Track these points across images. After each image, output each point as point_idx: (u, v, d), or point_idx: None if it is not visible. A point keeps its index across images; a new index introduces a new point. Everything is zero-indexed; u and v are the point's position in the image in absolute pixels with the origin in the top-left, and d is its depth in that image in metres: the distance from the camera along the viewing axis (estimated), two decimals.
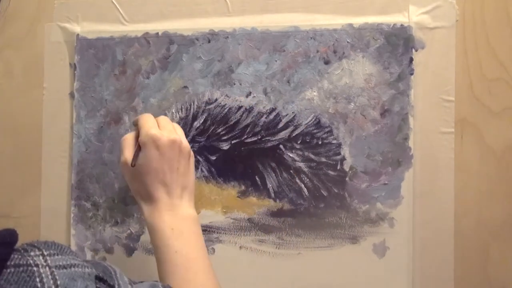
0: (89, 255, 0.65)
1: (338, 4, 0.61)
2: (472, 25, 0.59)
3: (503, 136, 0.59)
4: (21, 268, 0.32)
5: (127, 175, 0.53)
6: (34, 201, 0.67)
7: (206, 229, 0.63)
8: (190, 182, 0.53)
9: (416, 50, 0.59)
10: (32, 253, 0.34)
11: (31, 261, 0.33)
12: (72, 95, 0.66)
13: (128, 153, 0.52)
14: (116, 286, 0.36)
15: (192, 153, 0.55)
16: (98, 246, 0.65)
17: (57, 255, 0.34)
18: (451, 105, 0.59)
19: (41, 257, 0.34)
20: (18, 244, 0.35)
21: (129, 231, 0.65)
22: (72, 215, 0.66)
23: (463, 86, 0.59)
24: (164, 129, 0.52)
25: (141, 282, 0.41)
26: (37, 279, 0.32)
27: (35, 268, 0.33)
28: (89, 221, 0.66)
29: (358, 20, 0.60)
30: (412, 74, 0.59)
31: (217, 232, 0.63)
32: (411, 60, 0.59)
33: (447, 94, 0.59)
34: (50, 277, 0.32)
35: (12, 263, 0.33)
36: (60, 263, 0.34)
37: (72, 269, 0.34)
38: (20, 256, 0.33)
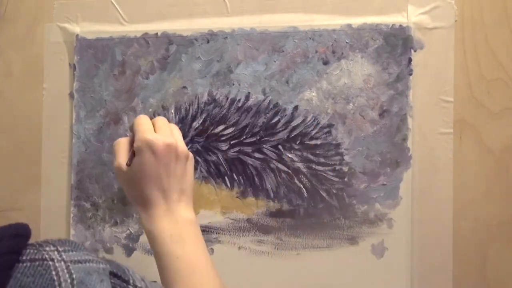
0: None
1: (337, 5, 0.61)
2: (471, 26, 0.59)
3: (501, 137, 0.59)
4: (37, 263, 0.33)
5: (121, 180, 0.52)
6: (33, 201, 0.67)
7: (205, 230, 0.63)
8: (188, 186, 0.52)
9: (415, 51, 0.59)
10: (47, 248, 0.34)
11: (47, 256, 0.34)
12: (71, 95, 0.67)
13: (121, 158, 0.51)
14: (131, 281, 0.37)
15: (190, 155, 0.53)
16: (97, 246, 0.65)
17: (72, 251, 0.35)
18: (449, 106, 0.59)
19: (56, 252, 0.34)
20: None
21: (128, 231, 0.65)
22: (71, 215, 0.66)
23: (462, 87, 0.59)
24: (160, 132, 0.51)
25: (154, 281, 0.41)
26: (53, 273, 0.33)
27: (50, 262, 0.33)
28: (88, 221, 0.66)
29: (357, 21, 0.60)
30: (410, 74, 0.59)
31: (216, 233, 0.63)
32: (410, 60, 0.59)
33: (446, 94, 0.59)
34: (65, 271, 0.33)
35: (28, 257, 0.33)
36: (75, 258, 0.34)
37: (87, 264, 0.35)
38: (35, 251, 0.34)
